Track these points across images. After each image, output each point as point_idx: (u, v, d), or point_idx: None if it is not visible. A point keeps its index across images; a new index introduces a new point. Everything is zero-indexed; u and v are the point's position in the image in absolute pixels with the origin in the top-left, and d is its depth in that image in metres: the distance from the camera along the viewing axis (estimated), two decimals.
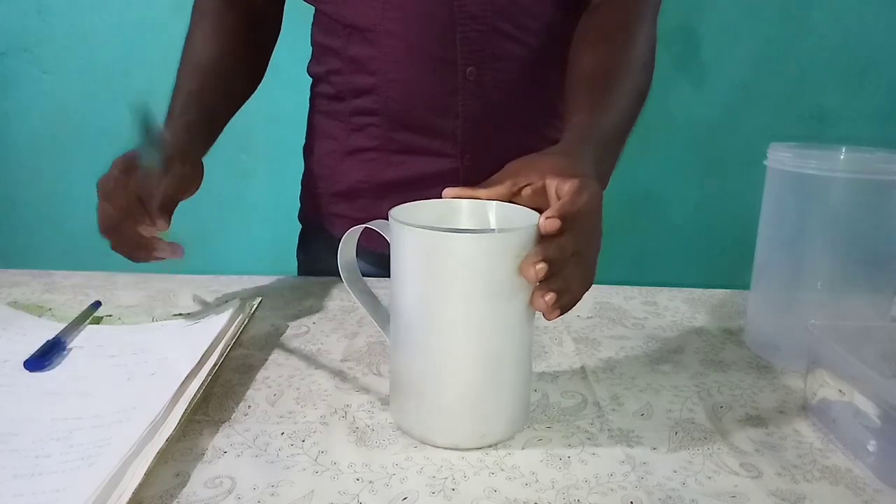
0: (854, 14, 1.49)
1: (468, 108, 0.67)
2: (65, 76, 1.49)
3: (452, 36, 0.65)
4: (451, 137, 0.69)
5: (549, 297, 0.38)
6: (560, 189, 0.42)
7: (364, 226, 0.43)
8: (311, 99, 0.79)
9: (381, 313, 0.48)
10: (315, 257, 0.82)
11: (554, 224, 0.39)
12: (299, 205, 0.83)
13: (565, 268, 0.39)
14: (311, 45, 0.75)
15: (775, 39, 1.50)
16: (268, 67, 0.78)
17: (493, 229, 0.45)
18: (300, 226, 0.84)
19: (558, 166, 0.45)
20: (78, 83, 1.48)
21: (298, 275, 0.81)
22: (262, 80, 0.77)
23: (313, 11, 0.73)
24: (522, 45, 0.67)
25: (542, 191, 0.44)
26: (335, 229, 0.77)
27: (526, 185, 0.44)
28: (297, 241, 0.85)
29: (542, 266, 0.37)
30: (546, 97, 0.70)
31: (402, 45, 0.65)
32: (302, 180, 0.82)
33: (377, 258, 0.62)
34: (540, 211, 0.42)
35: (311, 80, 0.78)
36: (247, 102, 0.74)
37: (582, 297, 0.41)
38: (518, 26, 0.66)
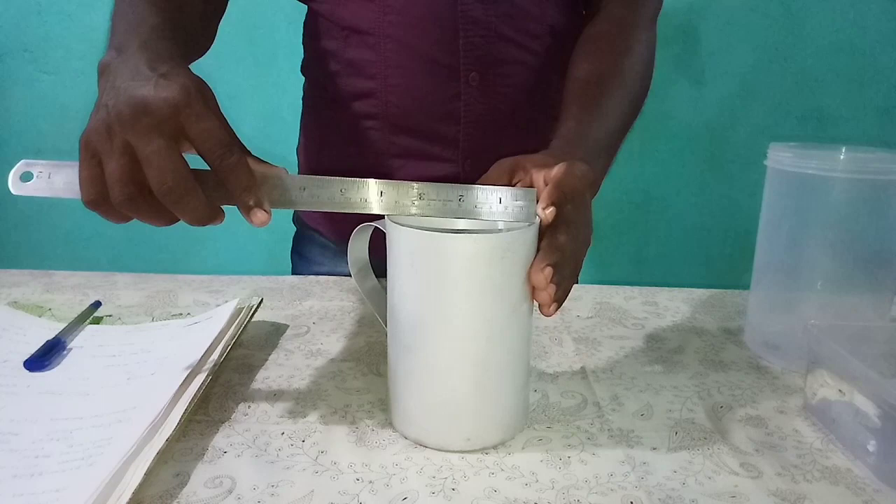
0: (854, 14, 1.49)
1: (470, 113, 0.67)
2: (65, 76, 1.49)
3: (455, 41, 0.64)
4: (452, 142, 0.68)
5: (551, 288, 0.39)
6: (547, 176, 0.43)
7: (374, 224, 0.43)
8: (303, 99, 0.78)
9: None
10: (309, 260, 0.81)
11: (551, 214, 0.40)
12: None
13: (565, 266, 0.40)
14: (304, 45, 0.74)
15: (775, 39, 1.50)
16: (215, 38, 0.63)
17: (486, 231, 0.44)
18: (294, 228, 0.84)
19: (545, 163, 0.45)
20: (78, 83, 1.48)
21: None
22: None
23: (305, 11, 0.72)
24: (525, 49, 0.67)
25: (530, 186, 0.44)
26: (329, 233, 0.77)
27: (516, 182, 0.45)
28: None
29: (549, 271, 0.39)
30: (549, 101, 0.70)
31: (402, 49, 0.65)
32: None
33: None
34: None
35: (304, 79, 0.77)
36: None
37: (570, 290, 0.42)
38: (521, 31, 0.66)
